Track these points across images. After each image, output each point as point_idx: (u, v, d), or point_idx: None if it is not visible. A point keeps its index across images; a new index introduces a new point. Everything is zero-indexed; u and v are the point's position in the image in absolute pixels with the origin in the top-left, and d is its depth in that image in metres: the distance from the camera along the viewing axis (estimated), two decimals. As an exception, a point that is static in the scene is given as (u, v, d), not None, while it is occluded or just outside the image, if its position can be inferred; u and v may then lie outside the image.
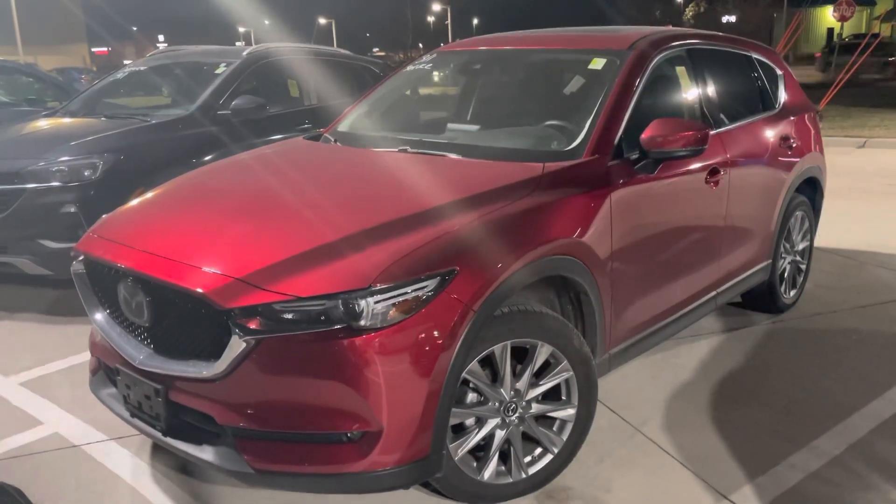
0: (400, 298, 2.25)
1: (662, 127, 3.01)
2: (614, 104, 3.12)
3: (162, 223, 2.82)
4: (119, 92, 6.47)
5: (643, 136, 3.01)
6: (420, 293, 2.28)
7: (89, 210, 4.55)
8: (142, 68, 6.39)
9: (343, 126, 3.87)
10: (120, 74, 6.42)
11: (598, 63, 3.36)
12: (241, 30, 70.79)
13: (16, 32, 37.40)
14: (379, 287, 2.22)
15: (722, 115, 3.77)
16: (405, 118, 4.17)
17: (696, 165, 3.37)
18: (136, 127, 5.07)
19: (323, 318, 2.22)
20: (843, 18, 21.87)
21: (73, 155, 4.66)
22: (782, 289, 4.46)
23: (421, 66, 4.12)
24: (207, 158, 5.08)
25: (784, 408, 3.40)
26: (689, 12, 58.78)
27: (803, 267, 4.70)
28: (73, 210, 4.55)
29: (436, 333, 2.29)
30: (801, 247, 4.61)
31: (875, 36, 19.51)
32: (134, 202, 3.12)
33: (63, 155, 4.65)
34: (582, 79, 3.49)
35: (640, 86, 3.24)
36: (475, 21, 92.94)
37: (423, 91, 5.24)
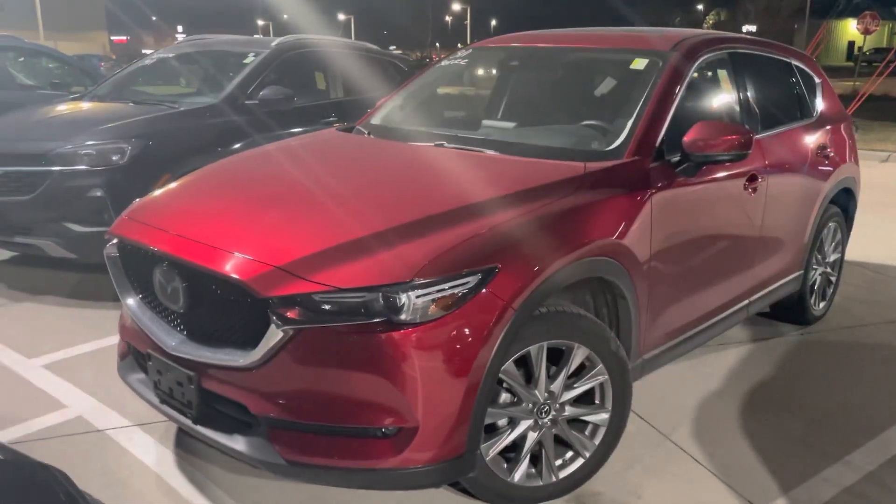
0: (441, 294, 2.21)
1: (706, 130, 2.96)
2: (656, 105, 3.07)
3: (198, 209, 2.80)
4: (147, 78, 6.46)
5: (686, 138, 2.96)
6: (461, 289, 2.24)
7: (116, 195, 4.53)
8: (170, 56, 6.38)
9: (376, 119, 3.83)
10: (148, 61, 6.41)
11: (640, 63, 3.31)
12: (260, 23, 70.97)
13: (38, 18, 37.61)
14: (420, 281, 2.18)
15: (761, 121, 3.71)
16: (439, 113, 4.13)
17: (735, 171, 3.32)
18: (164, 113, 5.05)
19: (363, 310, 2.18)
20: (867, 31, 21.63)
21: (102, 139, 4.64)
22: (812, 300, 4.40)
23: (456, 62, 4.08)
24: (234, 148, 5.06)
25: (815, 420, 3.35)
26: (709, 20, 58.60)
27: (833, 279, 4.64)
28: (99, 194, 4.54)
29: (475, 331, 2.25)
30: (832, 258, 4.55)
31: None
32: (167, 187, 3.09)
33: (91, 139, 4.64)
34: (623, 79, 3.44)
35: (683, 87, 3.19)
36: (493, 22, 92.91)
37: (442, 91, 5.12)
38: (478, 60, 4.15)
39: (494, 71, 4.18)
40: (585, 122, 3.31)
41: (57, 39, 39.21)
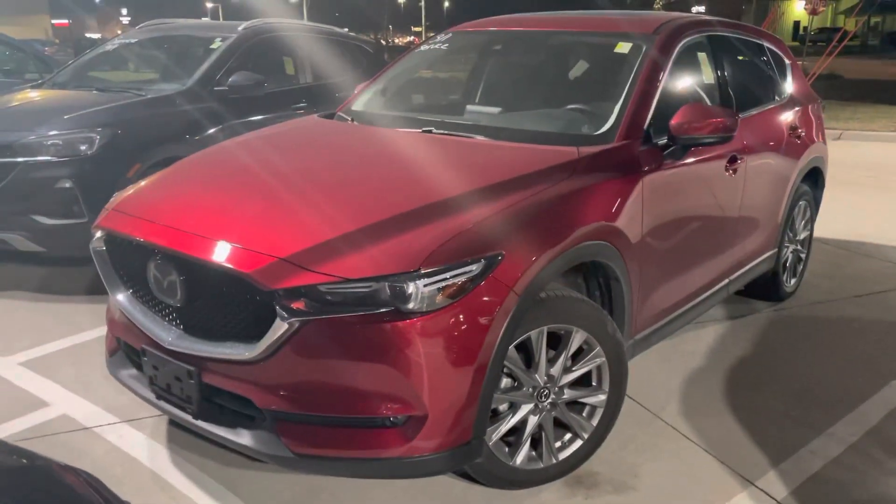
0: (447, 282, 2.21)
1: (692, 113, 3.00)
2: (643, 89, 3.09)
3: (189, 199, 2.73)
4: (109, 65, 6.26)
5: (673, 121, 3.00)
6: (466, 277, 2.24)
7: (85, 186, 4.41)
8: (132, 41, 6.19)
9: (358, 105, 3.78)
10: (109, 46, 6.22)
11: (624, 47, 3.33)
12: (209, 5, 69.10)
13: (-25, 2, 36.05)
14: (427, 270, 2.17)
15: (739, 103, 3.77)
16: (420, 99, 4.10)
17: (718, 153, 3.37)
18: (132, 101, 4.91)
19: (369, 300, 2.17)
20: (813, 12, 22.00)
21: (68, 128, 4.49)
22: (784, 277, 4.51)
23: (435, 47, 4.05)
24: (205, 135, 4.96)
25: (796, 394, 3.45)
26: (659, 1, 59.09)
27: (803, 256, 4.76)
28: (68, 185, 4.40)
29: (482, 318, 2.26)
30: (802, 236, 4.67)
31: (845, 34, 19.73)
32: (151, 179, 3.01)
33: (57, 128, 4.48)
34: (607, 62, 3.46)
35: (667, 70, 3.22)
36: (446, 4, 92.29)
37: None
38: (457, 45, 4.11)
39: (472, 55, 4.15)
40: (570, 107, 3.32)
41: (-3, 25, 37.61)
